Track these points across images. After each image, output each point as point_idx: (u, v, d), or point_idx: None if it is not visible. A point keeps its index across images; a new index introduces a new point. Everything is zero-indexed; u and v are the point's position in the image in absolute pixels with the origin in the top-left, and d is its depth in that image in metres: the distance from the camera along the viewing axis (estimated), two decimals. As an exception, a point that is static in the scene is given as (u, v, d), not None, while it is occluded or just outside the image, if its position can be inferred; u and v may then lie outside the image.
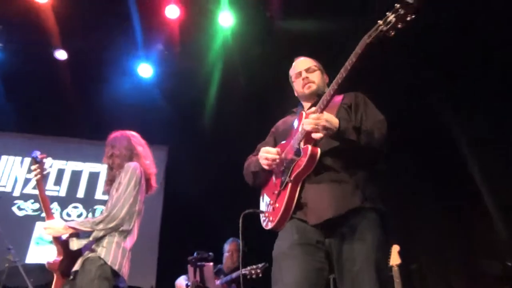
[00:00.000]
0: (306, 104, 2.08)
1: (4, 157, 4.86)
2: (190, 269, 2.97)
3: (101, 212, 2.45)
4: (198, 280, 2.94)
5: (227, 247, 3.70)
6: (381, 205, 1.79)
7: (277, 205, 1.88)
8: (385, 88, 3.88)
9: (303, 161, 1.77)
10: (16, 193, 4.73)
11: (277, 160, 1.89)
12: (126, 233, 2.40)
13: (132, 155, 2.60)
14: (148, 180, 2.62)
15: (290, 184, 1.83)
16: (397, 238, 3.28)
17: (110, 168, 2.59)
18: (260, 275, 3.08)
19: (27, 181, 4.85)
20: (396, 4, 1.48)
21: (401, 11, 1.46)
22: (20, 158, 4.93)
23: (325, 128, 1.67)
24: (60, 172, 5.00)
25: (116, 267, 2.27)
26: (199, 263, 2.96)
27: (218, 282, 3.32)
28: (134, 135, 2.73)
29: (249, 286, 3.13)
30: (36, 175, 2.40)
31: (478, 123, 3.81)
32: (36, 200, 4.67)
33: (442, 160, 4.05)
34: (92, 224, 2.30)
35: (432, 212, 4.14)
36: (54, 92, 4.82)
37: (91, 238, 2.31)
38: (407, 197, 4.26)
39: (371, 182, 1.82)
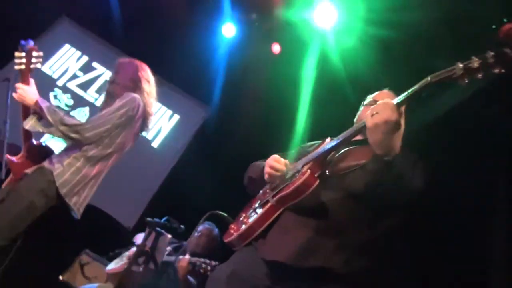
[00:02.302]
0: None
1: (66, 45, 4.98)
2: (146, 231, 2.79)
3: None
4: (146, 246, 2.76)
5: (200, 229, 3.50)
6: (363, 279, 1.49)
7: (245, 220, 1.67)
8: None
9: (293, 184, 1.50)
10: (60, 82, 4.84)
11: (279, 173, 1.65)
12: (94, 161, 2.25)
13: (135, 88, 2.39)
14: (145, 120, 2.46)
15: (269, 204, 1.59)
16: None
17: (110, 96, 2.41)
18: (208, 273, 2.87)
19: (74, 77, 4.94)
20: (489, 51, 1.18)
21: (491, 60, 1.17)
22: (79, 53, 5.03)
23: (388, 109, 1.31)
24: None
25: (62, 191, 2.13)
26: (157, 229, 2.76)
27: (172, 257, 3.14)
28: (144, 67, 2.51)
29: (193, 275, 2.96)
30: (19, 65, 2.21)
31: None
32: (72, 97, 4.77)
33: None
34: (58, 120, 2.14)
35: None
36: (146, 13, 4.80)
37: (46, 131, 2.17)
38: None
39: (366, 253, 1.50)
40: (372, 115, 1.33)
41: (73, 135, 2.16)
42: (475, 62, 1.18)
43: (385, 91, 1.86)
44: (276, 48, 4.75)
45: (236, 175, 4.04)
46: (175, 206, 3.84)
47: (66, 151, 2.27)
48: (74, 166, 2.19)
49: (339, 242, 1.46)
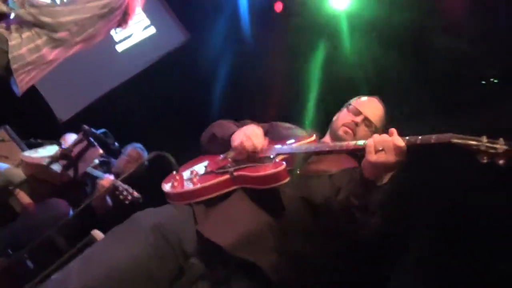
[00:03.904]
0: (327, 138, 1.77)
1: None
2: (78, 137, 2.60)
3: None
4: (73, 152, 2.58)
5: (129, 151, 3.34)
6: None
7: (194, 180, 1.56)
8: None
9: (263, 171, 1.41)
10: None
11: (251, 151, 1.53)
12: (56, 44, 2.02)
13: None
14: (126, 16, 2.24)
15: (227, 176, 1.49)
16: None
17: None
18: (126, 202, 2.77)
19: None
20: None
21: None
22: None
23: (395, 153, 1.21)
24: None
25: (13, 66, 1.92)
26: (91, 139, 2.57)
27: (95, 172, 3.01)
28: None
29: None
30: None
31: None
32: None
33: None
34: (26, 1, 1.91)
35: None
36: None
37: (12, 14, 1.93)
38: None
39: (296, 265, 1.47)
40: (376, 151, 1.22)
41: (45, 19, 1.91)
42: (501, 148, 1.07)
43: (374, 99, 1.79)
44: (278, 6, 4.52)
45: (188, 118, 3.92)
46: (114, 121, 3.60)
47: (27, 21, 1.98)
48: (34, 42, 1.95)
49: (279, 244, 1.42)
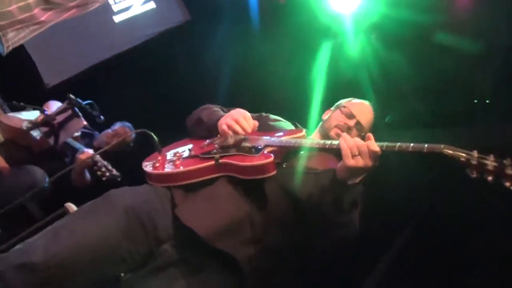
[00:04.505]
0: (315, 135, 1.75)
1: None
2: (63, 106, 2.51)
3: None
4: (56, 120, 2.50)
5: (117, 127, 3.26)
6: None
7: (177, 163, 1.52)
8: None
9: (250, 161, 1.37)
10: None
11: (239, 134, 1.51)
12: (49, 6, 1.93)
13: None
14: None
15: (212, 162, 1.44)
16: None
17: None
18: (103, 178, 2.71)
19: None
20: (510, 160, 1.06)
21: (508, 172, 1.05)
22: None
23: (371, 158, 1.25)
24: None
25: (1, 22, 1.84)
26: (76, 110, 2.49)
27: (76, 144, 2.93)
28: None
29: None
30: None
31: None
32: None
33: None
34: None
35: None
36: None
37: None
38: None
39: (272, 259, 1.45)
40: (353, 156, 1.24)
41: None
42: (491, 164, 1.07)
43: (366, 104, 1.79)
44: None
45: (178, 101, 3.84)
46: (102, 93, 3.50)
47: None
48: (25, 1, 1.86)
49: (257, 236, 1.39)
